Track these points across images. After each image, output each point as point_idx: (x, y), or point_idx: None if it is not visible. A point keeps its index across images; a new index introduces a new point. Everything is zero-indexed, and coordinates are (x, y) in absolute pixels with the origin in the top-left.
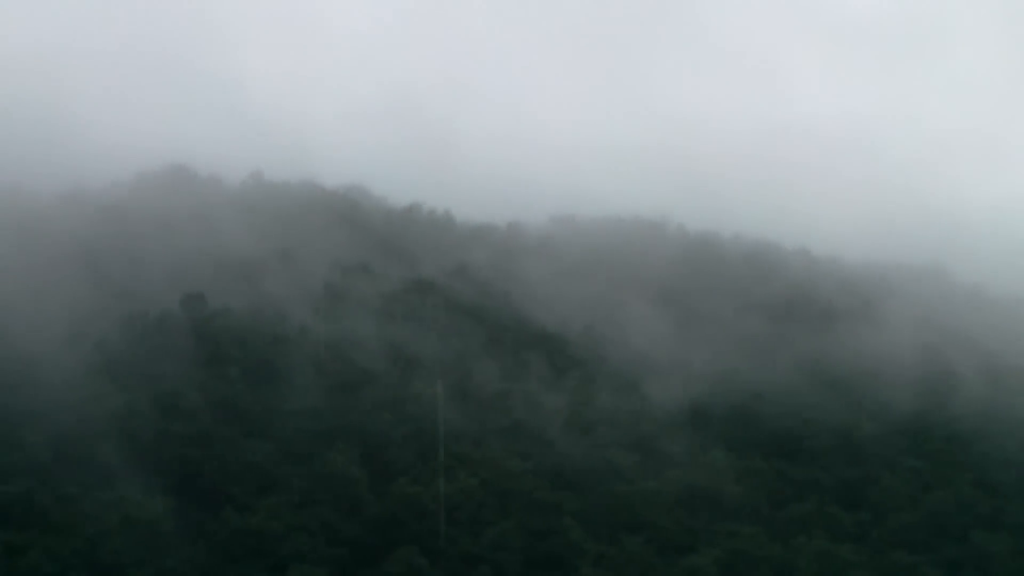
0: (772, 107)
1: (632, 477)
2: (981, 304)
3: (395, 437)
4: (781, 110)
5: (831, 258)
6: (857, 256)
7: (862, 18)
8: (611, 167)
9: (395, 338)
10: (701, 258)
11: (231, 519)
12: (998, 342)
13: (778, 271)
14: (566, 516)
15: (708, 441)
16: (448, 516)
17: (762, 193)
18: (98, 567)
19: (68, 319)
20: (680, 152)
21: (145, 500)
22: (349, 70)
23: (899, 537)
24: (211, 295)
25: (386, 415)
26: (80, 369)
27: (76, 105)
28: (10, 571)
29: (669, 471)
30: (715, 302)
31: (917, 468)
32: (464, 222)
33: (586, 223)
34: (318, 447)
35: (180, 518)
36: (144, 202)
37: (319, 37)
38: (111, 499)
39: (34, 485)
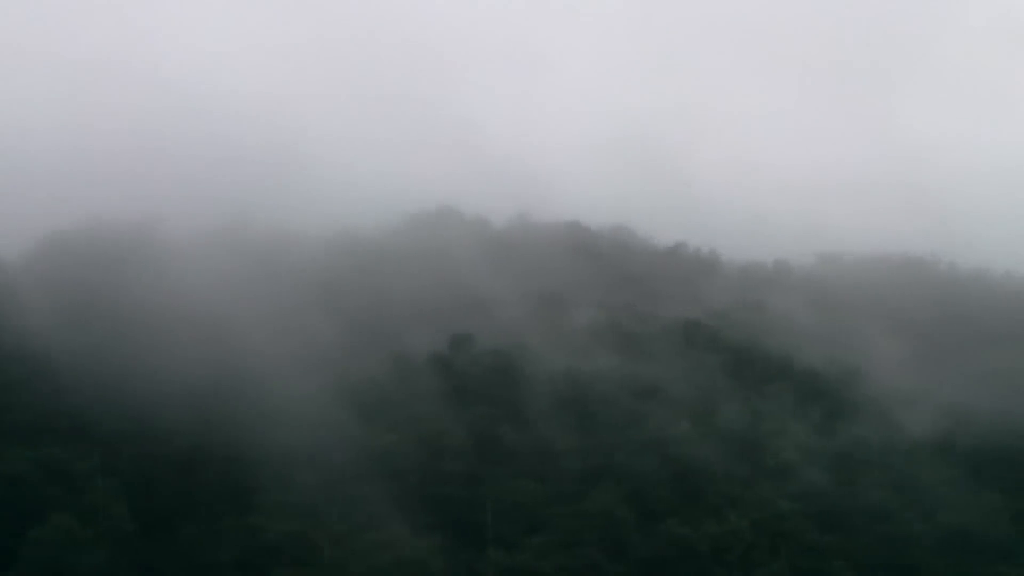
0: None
1: (898, 518)
2: None
3: (661, 477)
4: None
5: None
6: None
7: None
8: (864, 201)
9: (660, 379)
10: (971, 296)
11: (498, 558)
12: None
13: None
14: (836, 559)
15: (977, 482)
16: (717, 557)
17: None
18: None
19: (337, 360)
20: (931, 185)
21: (414, 539)
22: (586, 108)
23: None
24: (479, 336)
25: (651, 455)
26: (349, 409)
27: (342, 149)
28: None
29: (939, 513)
30: (980, 340)
31: None
32: (730, 261)
33: (852, 262)
34: (584, 487)
35: (448, 557)
36: (413, 244)
37: (552, 76)
38: (381, 538)
39: (306, 524)
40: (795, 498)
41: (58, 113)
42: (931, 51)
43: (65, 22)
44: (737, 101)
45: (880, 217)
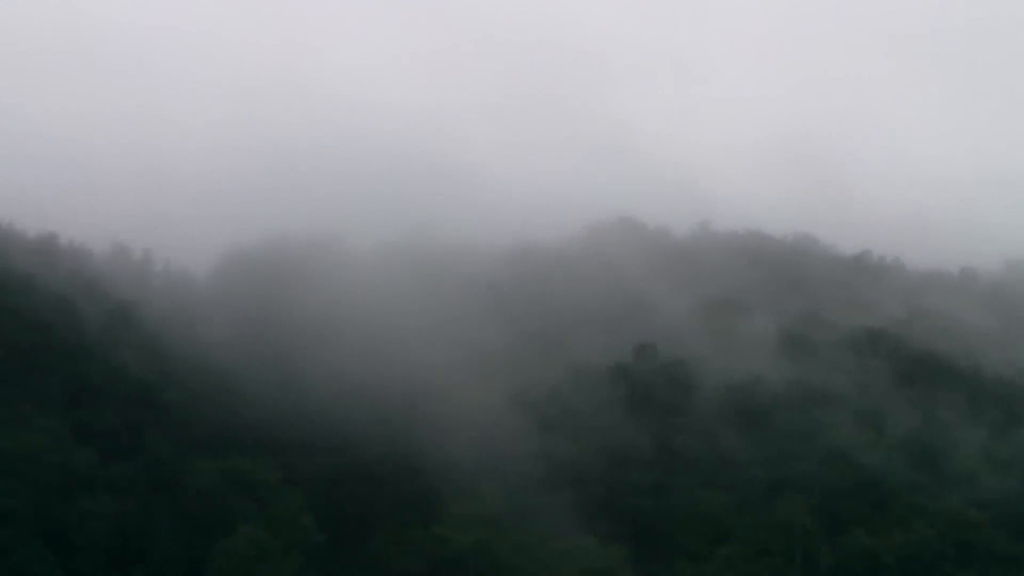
0: None
1: None
2: None
3: (845, 487)
4: None
5: None
6: None
7: None
8: None
9: (843, 387)
10: None
11: (685, 569)
12: None
13: None
14: None
15: None
16: (904, 567)
17: None
18: None
19: (516, 370)
20: None
21: (599, 549)
22: (748, 115)
23: None
24: (663, 345)
25: (835, 464)
26: (530, 419)
27: (518, 161)
28: None
29: None
30: None
31: None
32: (914, 269)
33: None
34: (769, 497)
35: (634, 568)
36: (591, 254)
37: (712, 85)
38: (566, 548)
39: (491, 534)
40: (982, 506)
41: (239, 133)
42: None
43: (241, 44)
44: (893, 103)
45: None
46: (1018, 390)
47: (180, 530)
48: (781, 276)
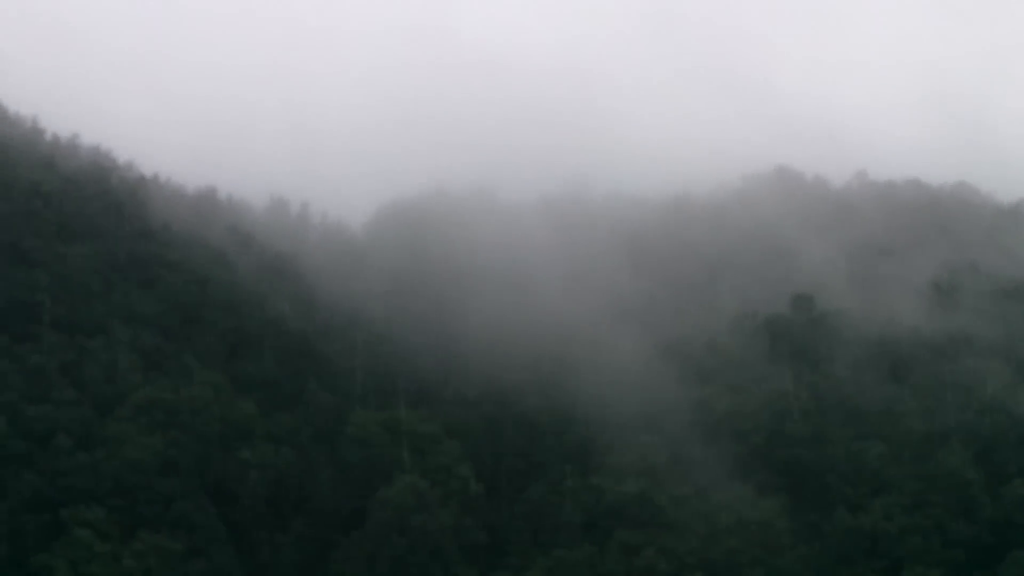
0: None
1: None
2: None
3: (1007, 438)
4: None
5: None
6: None
7: None
8: None
9: (1002, 338)
10: None
11: (844, 519)
12: None
13: None
14: None
15: None
16: None
17: None
18: (712, 566)
19: (676, 322)
20: None
21: (758, 500)
22: (893, 63)
23: None
24: (819, 296)
25: (996, 414)
26: (691, 371)
27: (672, 113)
28: (627, 569)
29: None
30: None
31: None
32: None
33: None
34: (931, 447)
35: (793, 518)
36: (750, 205)
37: (856, 32)
38: (725, 499)
39: (649, 485)
40: None
41: (395, 86)
42: None
43: None
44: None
45: None
46: None
47: (339, 480)
48: (937, 225)
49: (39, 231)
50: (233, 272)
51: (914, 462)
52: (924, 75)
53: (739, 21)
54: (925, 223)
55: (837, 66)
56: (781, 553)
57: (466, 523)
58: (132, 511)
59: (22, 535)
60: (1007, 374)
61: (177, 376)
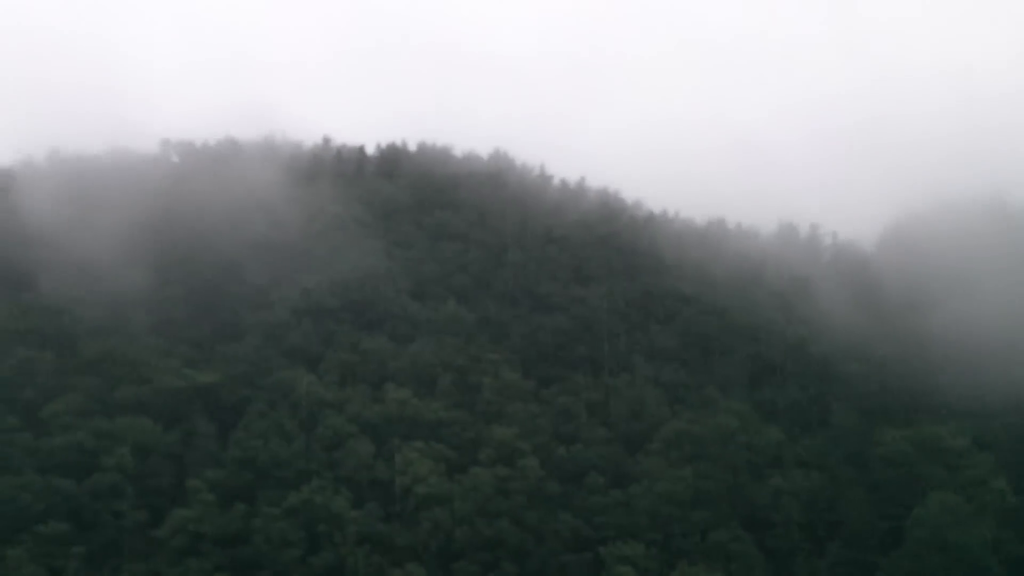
0: None
1: None
2: None
3: None
4: None
5: None
6: None
7: None
8: None
9: None
10: None
11: None
12: None
13: None
14: None
15: None
16: None
17: None
18: None
19: None
20: None
21: None
22: None
23: None
24: None
25: None
26: None
27: None
28: None
29: None
30: None
31: None
32: None
33: None
34: None
35: None
36: None
37: None
38: None
39: None
40: None
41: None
42: None
43: None
44: None
45: None
46: None
47: (871, 500)
48: None
49: (555, 275)
50: (748, 300)
51: None
52: None
53: None
54: None
55: None
56: None
57: (1004, 536)
58: (668, 544)
59: (565, 575)
60: None
61: (701, 408)
